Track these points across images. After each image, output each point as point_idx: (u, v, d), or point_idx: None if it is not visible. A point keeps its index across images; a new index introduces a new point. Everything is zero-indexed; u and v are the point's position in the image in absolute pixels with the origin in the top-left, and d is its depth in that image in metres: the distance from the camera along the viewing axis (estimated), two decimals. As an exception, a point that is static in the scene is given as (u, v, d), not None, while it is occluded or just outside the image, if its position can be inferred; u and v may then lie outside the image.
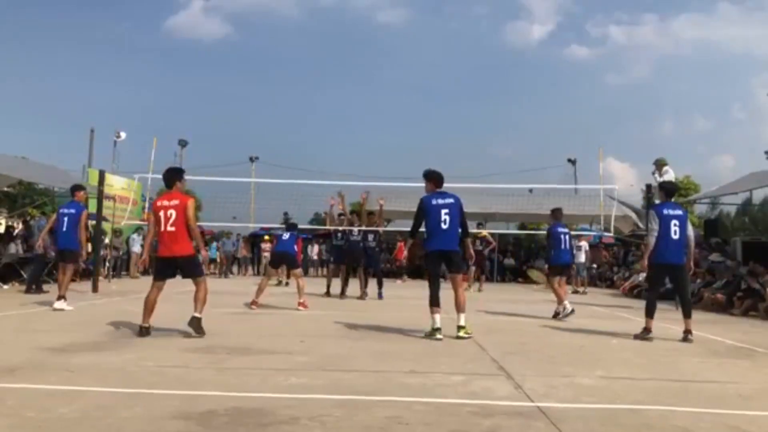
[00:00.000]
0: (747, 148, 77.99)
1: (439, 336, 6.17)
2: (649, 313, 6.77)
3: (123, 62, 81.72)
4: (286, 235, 9.79)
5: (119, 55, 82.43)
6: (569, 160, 34.26)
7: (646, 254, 6.98)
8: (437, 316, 6.27)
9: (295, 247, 9.78)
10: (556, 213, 9.87)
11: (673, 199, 10.01)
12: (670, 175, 10.93)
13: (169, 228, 6.02)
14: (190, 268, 6.16)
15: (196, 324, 5.97)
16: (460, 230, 6.66)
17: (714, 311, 10.98)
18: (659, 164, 11.12)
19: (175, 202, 6.11)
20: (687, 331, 6.63)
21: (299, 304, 9.16)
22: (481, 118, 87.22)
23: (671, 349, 6.06)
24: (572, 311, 8.92)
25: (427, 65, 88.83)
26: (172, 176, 6.41)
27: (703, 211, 28.26)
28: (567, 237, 9.51)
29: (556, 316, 8.96)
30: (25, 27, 78.36)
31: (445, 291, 6.54)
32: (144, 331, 5.93)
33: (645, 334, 6.64)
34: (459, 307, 6.38)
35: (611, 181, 18.35)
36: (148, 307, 6.06)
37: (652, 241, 6.78)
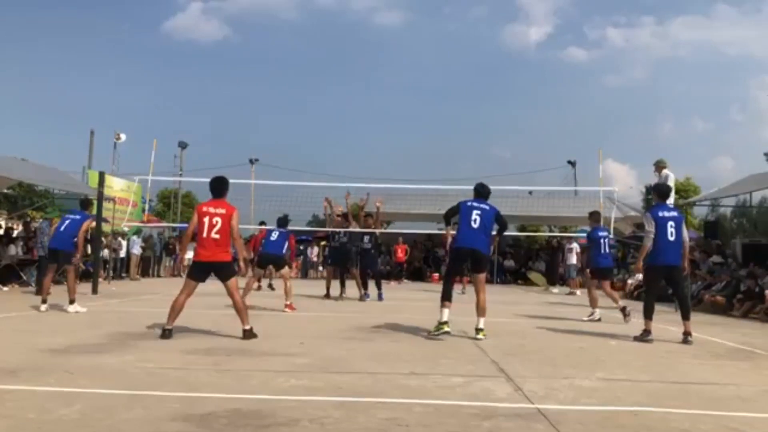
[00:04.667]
0: (746, 150, 78.18)
1: (446, 329, 6.31)
2: (648, 314, 6.77)
3: (123, 64, 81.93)
4: (274, 236, 9.55)
5: (119, 56, 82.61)
6: (569, 162, 34.23)
7: (641, 256, 7.00)
8: (446, 311, 6.41)
9: (286, 245, 9.61)
10: (595, 216, 9.72)
11: (671, 201, 9.97)
12: (670, 178, 10.92)
13: (213, 235, 6.08)
14: (225, 272, 6.21)
15: (248, 335, 6.03)
16: (494, 232, 6.90)
17: (714, 313, 10.99)
18: (659, 166, 11.10)
19: (222, 210, 6.17)
20: (686, 333, 6.63)
21: (286, 306, 9.08)
22: (481, 120, 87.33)
23: (671, 351, 6.07)
24: (599, 319, 8.79)
25: (426, 67, 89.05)
26: (223, 187, 6.45)
27: (703, 213, 28.29)
28: (606, 240, 9.35)
29: (627, 317, 8.61)
30: (24, 28, 78.49)
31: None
32: (167, 333, 5.94)
33: (645, 336, 6.64)
34: (480, 311, 6.52)
35: (611, 183, 18.38)
36: (176, 310, 6.08)
37: (648, 243, 6.81)
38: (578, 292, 16.58)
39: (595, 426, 3.22)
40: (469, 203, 6.78)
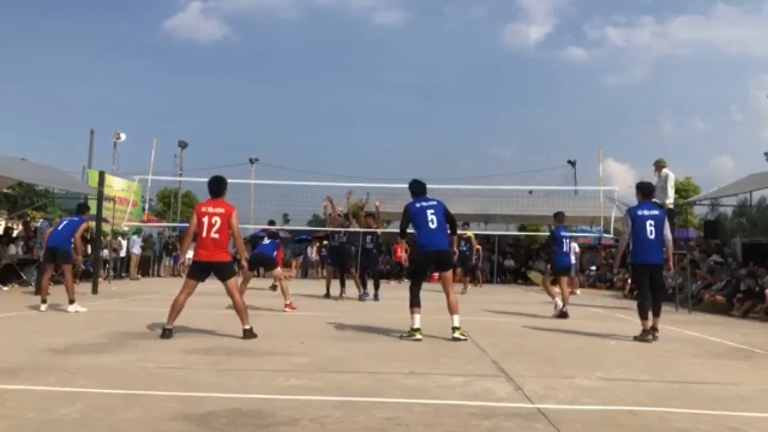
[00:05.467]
0: (746, 150, 78.22)
1: (418, 336, 6.20)
2: (643, 314, 6.80)
3: (122, 64, 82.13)
4: (266, 240, 9.90)
5: (119, 56, 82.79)
6: (569, 162, 34.24)
7: (617, 256, 7.05)
8: (417, 317, 6.32)
9: (275, 252, 9.83)
10: (559, 216, 10.19)
11: (671, 201, 10.00)
12: (670, 177, 10.92)
13: (212, 235, 6.10)
14: (224, 272, 6.23)
15: (248, 334, 6.04)
16: (448, 230, 6.78)
17: (714, 312, 10.98)
18: (659, 165, 11.12)
19: (221, 210, 6.18)
20: (653, 329, 6.72)
21: (285, 305, 9.08)
22: (481, 120, 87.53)
23: (671, 351, 6.07)
24: (563, 307, 9.23)
25: (425, 66, 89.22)
26: (221, 186, 6.45)
27: (703, 213, 28.31)
28: (568, 240, 9.89)
29: (558, 315, 9.23)
30: (24, 30, 78.50)
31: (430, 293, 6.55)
32: (167, 333, 5.95)
33: (644, 336, 6.65)
34: (452, 309, 6.41)
35: (611, 183, 18.38)
36: (176, 309, 6.09)
37: (623, 244, 6.89)
38: (578, 291, 16.58)
39: (595, 425, 3.23)
40: (417, 205, 6.60)
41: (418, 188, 6.77)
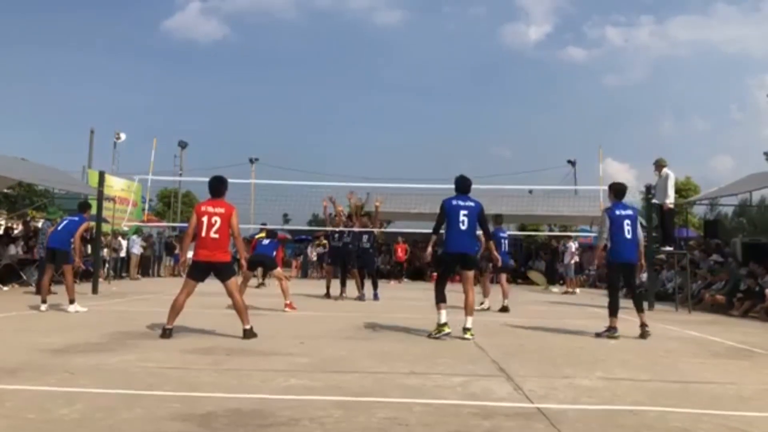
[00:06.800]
0: (746, 149, 78.29)
1: (447, 330, 6.28)
2: (613, 312, 6.91)
3: (122, 64, 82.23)
4: (266, 241, 9.90)
5: (118, 56, 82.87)
6: (569, 161, 34.26)
7: (595, 255, 7.11)
8: (444, 312, 6.36)
9: (275, 252, 9.87)
10: (498, 219, 11.07)
11: (670, 201, 10.03)
12: (671, 177, 10.93)
13: (212, 235, 6.08)
14: (224, 273, 6.22)
15: (248, 334, 6.04)
16: (479, 233, 6.86)
17: (714, 312, 10.99)
18: (659, 165, 11.13)
19: (221, 210, 6.17)
20: (643, 325, 6.82)
21: (286, 305, 9.09)
22: (481, 119, 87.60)
23: (671, 350, 6.07)
24: (488, 308, 10.03)
25: (425, 66, 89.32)
26: (222, 186, 6.42)
27: (702, 212, 28.29)
28: (506, 241, 10.71)
29: (504, 310, 9.98)
30: (25, 29, 78.51)
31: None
32: (167, 333, 5.95)
33: (611, 333, 6.77)
34: (468, 310, 6.49)
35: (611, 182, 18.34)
36: (175, 310, 6.09)
37: (600, 244, 7.01)
38: (578, 291, 16.59)
39: (595, 425, 3.23)
40: (454, 202, 6.62)
41: (459, 185, 6.79)
